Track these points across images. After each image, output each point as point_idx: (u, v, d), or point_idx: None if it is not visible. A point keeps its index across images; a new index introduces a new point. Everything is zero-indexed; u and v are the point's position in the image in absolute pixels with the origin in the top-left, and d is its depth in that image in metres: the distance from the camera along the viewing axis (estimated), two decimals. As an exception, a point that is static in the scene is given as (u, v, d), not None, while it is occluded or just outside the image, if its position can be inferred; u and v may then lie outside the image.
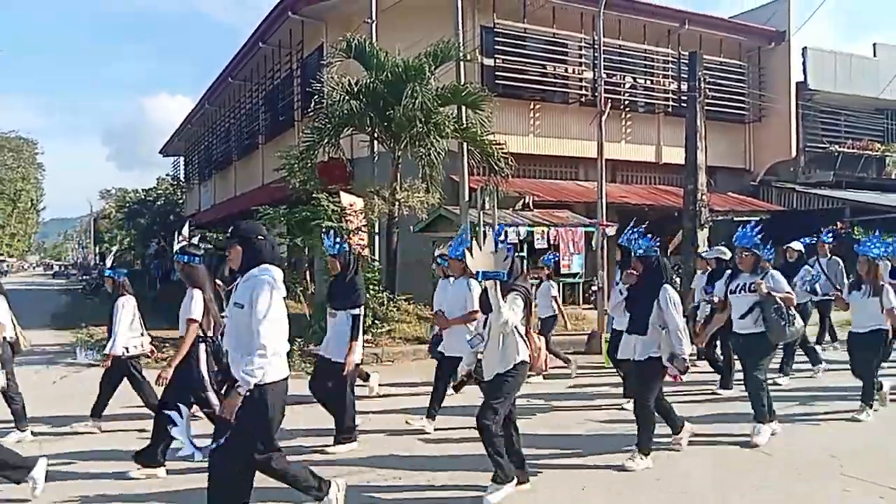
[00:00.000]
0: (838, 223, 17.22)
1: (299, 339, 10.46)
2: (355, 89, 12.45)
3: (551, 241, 14.71)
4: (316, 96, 13.36)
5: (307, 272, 14.22)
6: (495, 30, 16.33)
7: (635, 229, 5.75)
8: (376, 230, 13.54)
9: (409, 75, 11.93)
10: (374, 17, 14.26)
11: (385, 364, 10.29)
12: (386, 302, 12.15)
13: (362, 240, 12.39)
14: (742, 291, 5.84)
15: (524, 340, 4.49)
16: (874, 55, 21.39)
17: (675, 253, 15.13)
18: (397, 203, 12.40)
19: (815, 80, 19.87)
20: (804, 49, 19.83)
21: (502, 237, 5.24)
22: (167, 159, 38.51)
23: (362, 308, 5.88)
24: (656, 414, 5.32)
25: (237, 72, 23.34)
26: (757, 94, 19.84)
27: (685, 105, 13.73)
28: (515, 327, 4.40)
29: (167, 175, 41.00)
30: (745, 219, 17.29)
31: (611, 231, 13.65)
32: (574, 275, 15.23)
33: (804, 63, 19.87)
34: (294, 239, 13.66)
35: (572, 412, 7.03)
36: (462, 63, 13.42)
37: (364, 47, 12.69)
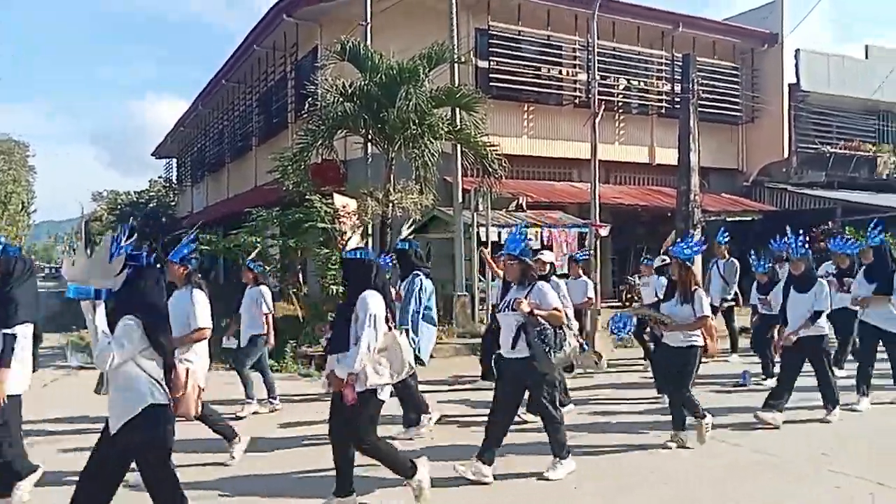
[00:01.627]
0: (829, 223, 17.31)
1: (293, 341, 10.44)
2: (349, 91, 12.44)
3: (545, 242, 14.73)
4: (310, 98, 13.34)
5: (300, 274, 14.19)
6: (489, 32, 16.34)
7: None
8: (370, 232, 13.52)
9: (404, 77, 11.92)
10: (368, 20, 14.25)
11: (384, 365, 10.29)
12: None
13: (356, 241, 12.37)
14: (507, 309, 4.91)
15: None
16: (866, 57, 21.51)
17: (667, 253, 15.16)
18: (391, 204, 12.38)
19: (807, 81, 19.96)
20: (797, 51, 19.91)
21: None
22: (160, 161, 38.39)
23: None
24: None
25: (231, 74, 23.28)
26: (750, 96, 19.92)
27: (678, 106, 13.78)
28: None
29: (159, 177, 40.85)
30: (738, 219, 17.51)
31: (604, 232, 13.69)
32: (567, 275, 15.22)
33: (797, 65, 19.96)
34: (287, 241, 13.65)
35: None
36: (456, 65, 13.43)
37: (358, 50, 12.68)
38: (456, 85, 13.13)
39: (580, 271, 9.24)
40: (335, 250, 11.98)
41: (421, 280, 6.11)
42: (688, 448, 5.64)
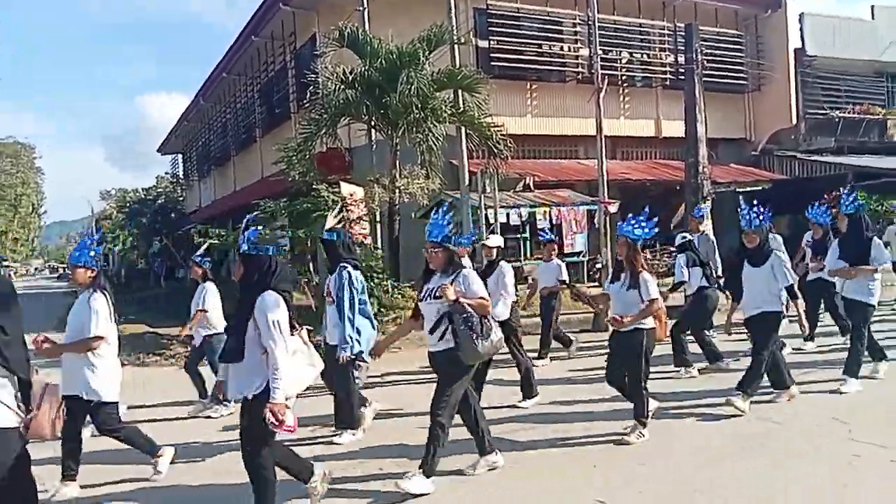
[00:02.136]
0: (841, 189, 17.09)
1: (308, 328, 10.48)
2: (350, 78, 12.38)
3: (553, 222, 14.68)
4: (311, 87, 13.29)
5: (311, 263, 14.22)
6: (488, 11, 16.18)
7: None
8: (377, 218, 13.51)
9: (404, 61, 11.85)
10: (365, 5, 14.14)
11: (392, 351, 10.28)
12: (390, 290, 12.15)
13: (364, 229, 12.38)
14: (429, 298, 4.59)
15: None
16: (872, 18, 21.14)
17: (679, 227, 15.07)
18: (397, 190, 12.36)
19: (813, 45, 19.66)
20: (801, 15, 19.60)
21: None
22: (165, 157, 38.47)
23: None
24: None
25: (231, 66, 23.21)
26: (755, 63, 19.66)
27: (683, 78, 13.61)
28: None
29: (166, 173, 40.98)
30: (748, 189, 17.35)
31: (613, 209, 13.59)
32: (577, 253, 15.21)
33: (801, 29, 19.66)
34: (296, 231, 13.66)
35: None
36: (456, 46, 13.31)
37: (357, 35, 12.60)
38: (457, 67, 13.02)
39: (552, 253, 8.94)
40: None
41: (349, 272, 5.67)
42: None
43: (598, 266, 12.99)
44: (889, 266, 6.67)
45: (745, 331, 6.47)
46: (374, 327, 5.86)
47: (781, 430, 5.40)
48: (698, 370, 7.47)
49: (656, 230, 5.53)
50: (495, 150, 12.74)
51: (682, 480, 4.47)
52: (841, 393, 6.22)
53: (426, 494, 4.33)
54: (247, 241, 3.91)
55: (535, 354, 8.46)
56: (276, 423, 3.63)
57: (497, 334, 4.54)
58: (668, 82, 18.44)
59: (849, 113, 20.51)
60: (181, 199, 37.26)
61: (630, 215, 5.53)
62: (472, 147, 13.44)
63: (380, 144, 13.51)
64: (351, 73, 12.43)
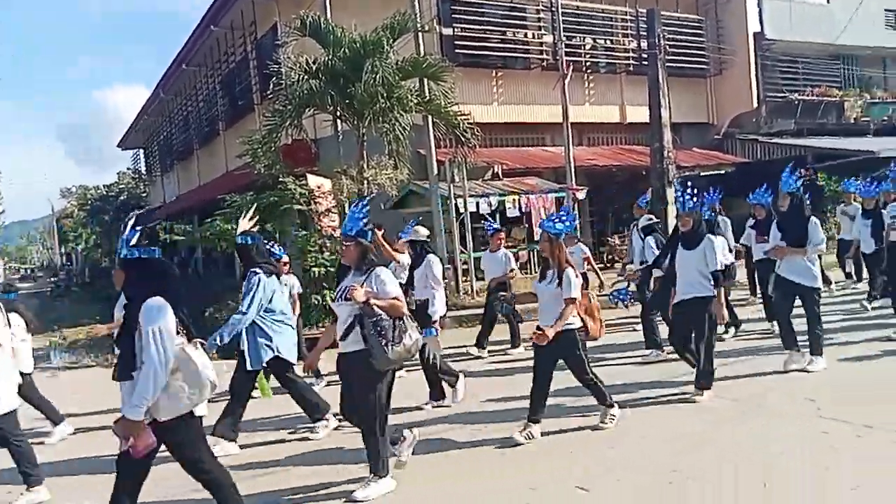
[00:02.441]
0: (801, 170, 17.49)
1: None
2: (313, 68, 12.19)
3: (523, 209, 14.73)
4: (274, 78, 13.07)
5: (280, 258, 14.08)
6: (451, -2, 16.08)
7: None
8: (346, 210, 13.39)
9: (368, 50, 11.71)
10: (327, -7, 13.93)
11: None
12: (362, 282, 12.08)
13: (333, 221, 12.26)
14: (340, 299, 4.34)
15: None
16: (828, 1, 21.56)
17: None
18: (366, 181, 12.25)
19: (771, 29, 19.99)
20: (760, -1, 19.91)
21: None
22: (126, 153, 37.61)
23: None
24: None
25: (190, 58, 22.71)
26: (716, 48, 19.92)
27: (646, 63, 13.71)
28: None
29: (128, 169, 40.10)
30: (712, 173, 17.61)
31: (581, 195, 13.71)
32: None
33: (760, 13, 19.97)
34: (264, 225, 13.46)
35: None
36: (420, 34, 13.20)
37: (319, 24, 12.41)
38: (422, 55, 12.93)
39: (500, 243, 8.84)
40: (314, 232, 11.87)
41: (260, 278, 5.46)
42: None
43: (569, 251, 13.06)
44: (823, 247, 6.50)
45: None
46: (269, 336, 5.54)
47: (756, 410, 5.51)
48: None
49: (576, 223, 5.45)
50: (463, 139, 12.69)
51: (659, 467, 4.53)
52: (808, 371, 6.31)
53: (390, 492, 4.29)
54: (125, 245, 3.57)
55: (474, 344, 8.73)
56: (126, 442, 3.25)
57: (412, 337, 4.23)
58: (631, 68, 18.58)
59: (807, 95, 20.93)
60: (144, 195, 36.53)
61: (556, 213, 5.53)
62: (440, 136, 13.38)
63: (346, 135, 13.37)
64: (314, 62, 12.25)
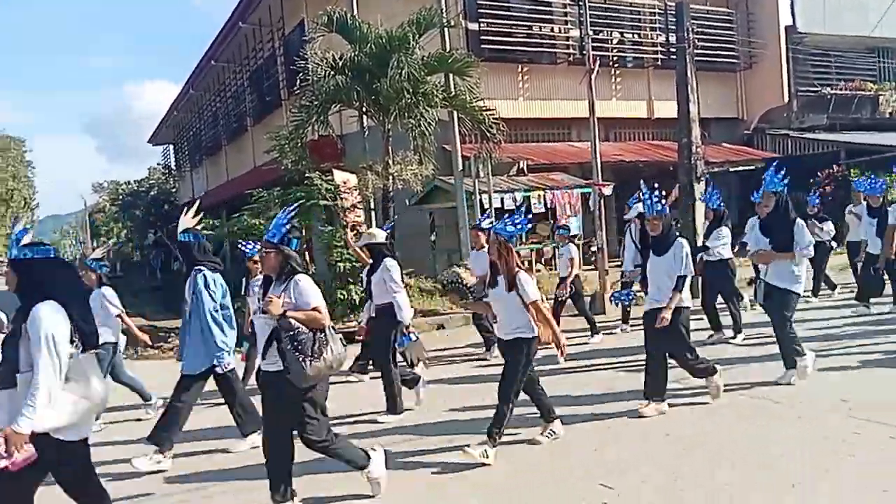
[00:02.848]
0: (834, 167, 17.14)
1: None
2: (340, 64, 12.28)
3: (548, 205, 14.67)
4: (301, 74, 13.18)
5: (306, 252, 14.19)
6: (477, -7, 16.04)
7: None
8: (371, 206, 13.47)
9: (394, 46, 11.75)
10: (353, -11, 13.98)
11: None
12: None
13: (358, 216, 12.34)
14: (259, 312, 4.06)
15: None
16: (863, -7, 21.06)
17: (674, 208, 15.03)
18: (391, 177, 12.31)
19: (803, 22, 19.60)
20: (792, -9, 19.52)
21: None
22: (157, 148, 38.23)
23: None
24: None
25: (219, 54, 23.01)
26: (746, 41, 19.59)
27: (674, 57, 13.54)
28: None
29: (158, 164, 40.74)
30: (741, 168, 17.35)
31: (607, 191, 13.59)
32: (573, 237, 15.19)
33: (792, 5, 19.58)
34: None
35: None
36: (446, 30, 13.21)
37: (346, 20, 12.48)
38: (447, 50, 12.94)
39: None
40: (339, 227, 11.96)
41: (205, 275, 5.27)
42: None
43: (594, 249, 12.99)
44: (810, 251, 6.01)
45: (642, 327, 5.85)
46: (226, 335, 5.33)
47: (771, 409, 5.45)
48: None
49: (529, 226, 5.20)
50: (488, 135, 12.68)
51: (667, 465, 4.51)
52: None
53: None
54: (15, 245, 3.30)
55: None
56: (5, 454, 2.98)
57: (334, 351, 3.90)
58: (659, 62, 18.37)
59: (840, 90, 20.50)
60: (174, 190, 37.08)
61: (506, 214, 5.28)
62: (465, 132, 13.37)
63: (372, 131, 13.44)
64: (341, 58, 12.33)
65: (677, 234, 5.72)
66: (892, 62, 22.31)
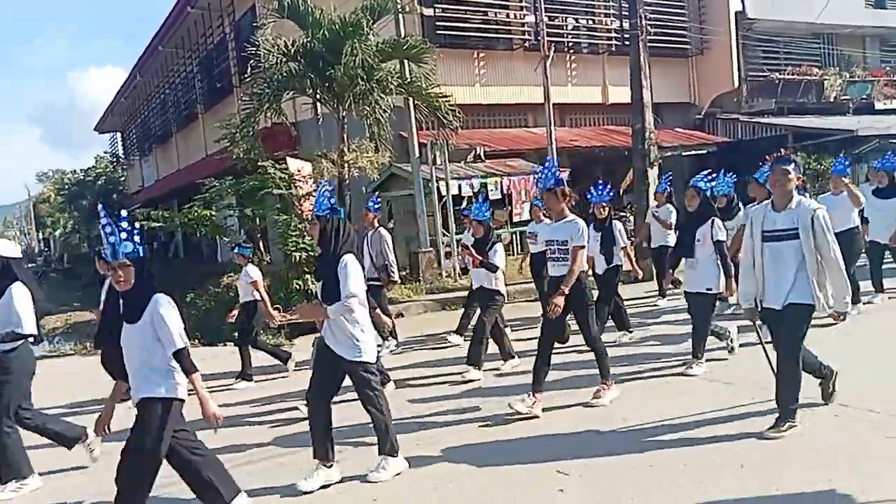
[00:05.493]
0: (781, 150, 17.58)
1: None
2: (292, 50, 12.02)
3: (504, 192, 14.71)
4: (252, 60, 12.88)
5: (261, 242, 13.96)
6: (432, -22, 15.88)
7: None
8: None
9: (347, 32, 11.55)
10: (305, -27, 13.68)
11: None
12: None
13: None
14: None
15: None
16: (808, -20, 21.56)
17: (627, 192, 15.30)
18: (346, 165, 12.16)
19: (753, 8, 19.96)
20: (741, -23, 19.84)
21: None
22: (104, 136, 37.06)
23: None
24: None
25: (167, 40, 22.33)
26: (698, 27, 19.88)
27: (628, 44, 13.67)
28: None
29: (105, 152, 39.52)
30: (694, 153, 17.67)
31: (563, 176, 13.66)
32: (527, 222, 15.29)
33: (742, -9, 19.92)
34: (244, 209, 13.37)
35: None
36: (400, 15, 13.05)
37: (298, 5, 12.20)
38: (402, 36, 12.79)
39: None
40: (294, 216, 11.78)
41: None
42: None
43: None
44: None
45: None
46: None
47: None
48: None
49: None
50: (444, 121, 12.61)
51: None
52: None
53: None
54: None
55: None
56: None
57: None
58: (613, 48, 18.51)
59: (788, 75, 21.01)
60: (122, 179, 36.06)
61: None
62: (421, 118, 13.29)
63: (326, 118, 13.23)
64: (293, 44, 12.07)
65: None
66: (836, 48, 22.95)
